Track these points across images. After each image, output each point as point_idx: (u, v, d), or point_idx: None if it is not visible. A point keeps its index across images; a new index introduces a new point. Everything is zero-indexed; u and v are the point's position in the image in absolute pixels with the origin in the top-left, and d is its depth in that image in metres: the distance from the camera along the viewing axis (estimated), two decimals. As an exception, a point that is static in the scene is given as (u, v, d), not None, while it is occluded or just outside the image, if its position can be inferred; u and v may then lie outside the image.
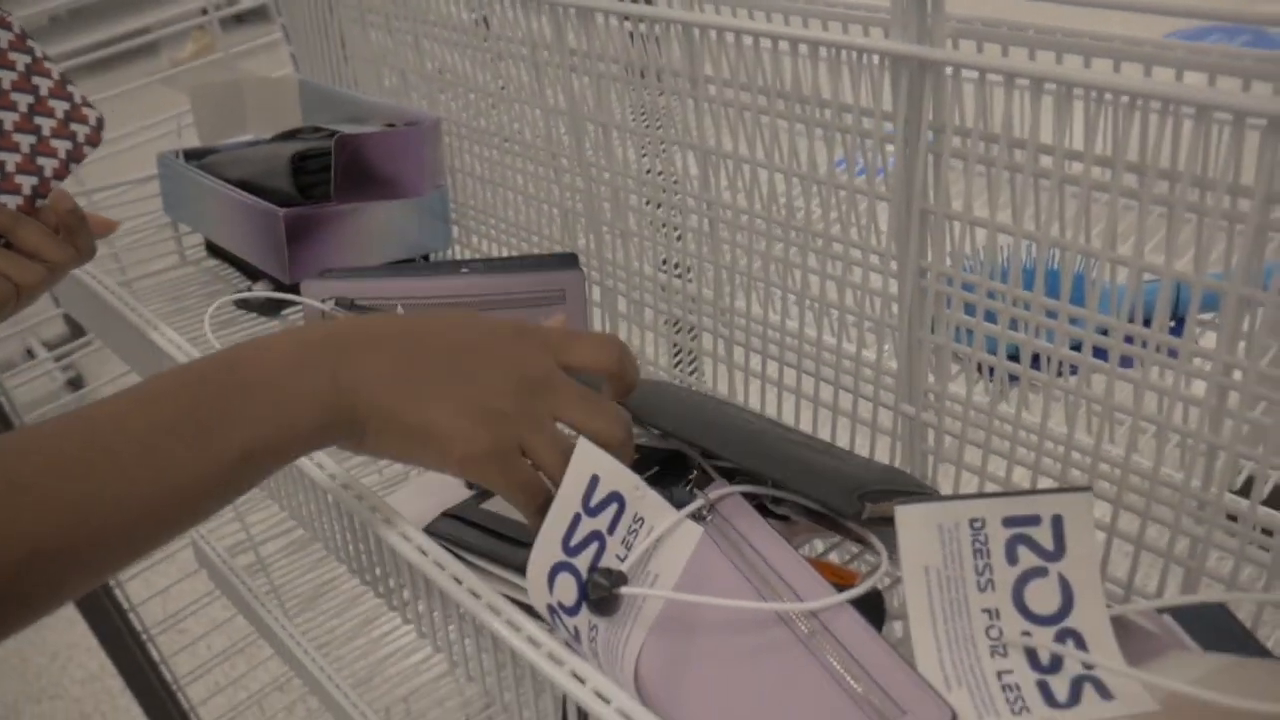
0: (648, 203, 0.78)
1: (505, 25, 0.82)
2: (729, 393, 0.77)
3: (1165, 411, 0.53)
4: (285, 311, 0.92)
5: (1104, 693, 0.42)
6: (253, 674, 1.52)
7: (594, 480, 0.50)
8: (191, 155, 0.93)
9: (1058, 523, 0.45)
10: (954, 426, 0.64)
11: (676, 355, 0.87)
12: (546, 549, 0.48)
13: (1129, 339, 0.53)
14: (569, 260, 0.75)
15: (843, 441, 0.68)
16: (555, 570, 0.48)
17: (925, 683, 0.42)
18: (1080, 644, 0.43)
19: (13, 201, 0.65)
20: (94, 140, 0.68)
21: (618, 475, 0.49)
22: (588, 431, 0.46)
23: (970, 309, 0.60)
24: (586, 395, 0.47)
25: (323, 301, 0.73)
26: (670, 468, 0.60)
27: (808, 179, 0.65)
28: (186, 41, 4.66)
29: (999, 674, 0.43)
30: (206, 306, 0.96)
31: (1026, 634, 0.44)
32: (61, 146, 0.67)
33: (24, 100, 0.66)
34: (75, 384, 2.36)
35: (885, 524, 0.51)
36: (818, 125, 0.62)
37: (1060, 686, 0.42)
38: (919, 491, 0.55)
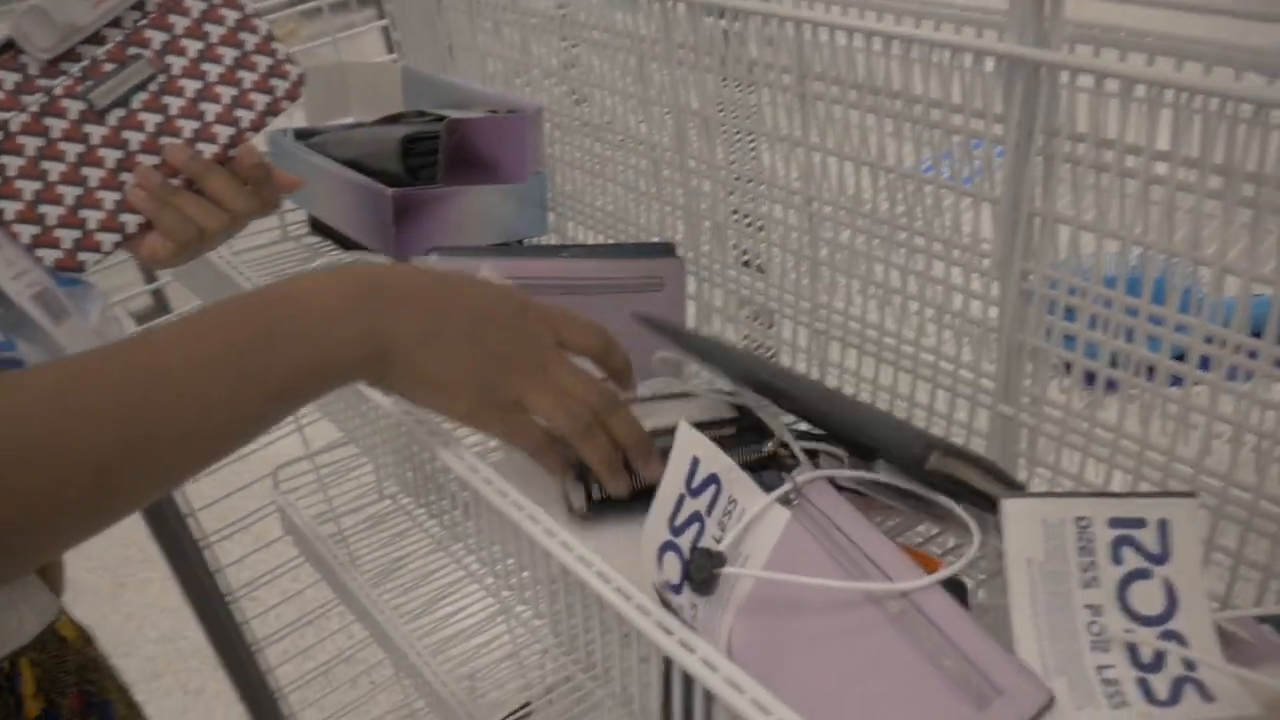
0: (747, 198, 0.79)
1: (611, 20, 0.84)
2: (817, 388, 0.78)
3: (1274, 424, 0.53)
4: (384, 289, 0.95)
5: (1205, 694, 0.42)
6: (320, 645, 1.56)
7: (694, 462, 0.51)
8: (300, 135, 0.96)
9: (1164, 527, 0.45)
10: (1051, 430, 0.64)
11: (755, 348, 0.89)
12: (656, 528, 0.50)
13: (1234, 348, 0.53)
14: (667, 249, 0.77)
15: (933, 440, 0.69)
16: (663, 549, 0.50)
17: (1023, 664, 0.43)
18: (1184, 647, 0.44)
19: (209, 150, 0.67)
20: (293, 95, 0.71)
21: (714, 458, 0.51)
22: (575, 385, 0.53)
23: (1072, 313, 0.60)
24: (574, 365, 0.54)
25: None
26: (749, 433, 0.61)
27: (914, 179, 0.65)
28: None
29: (1099, 668, 0.43)
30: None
31: (1129, 631, 0.44)
32: (260, 100, 0.69)
33: (230, 54, 0.68)
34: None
35: (950, 483, 0.52)
36: (929, 126, 0.63)
37: (1161, 685, 0.43)
38: (990, 462, 0.55)
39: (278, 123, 1.03)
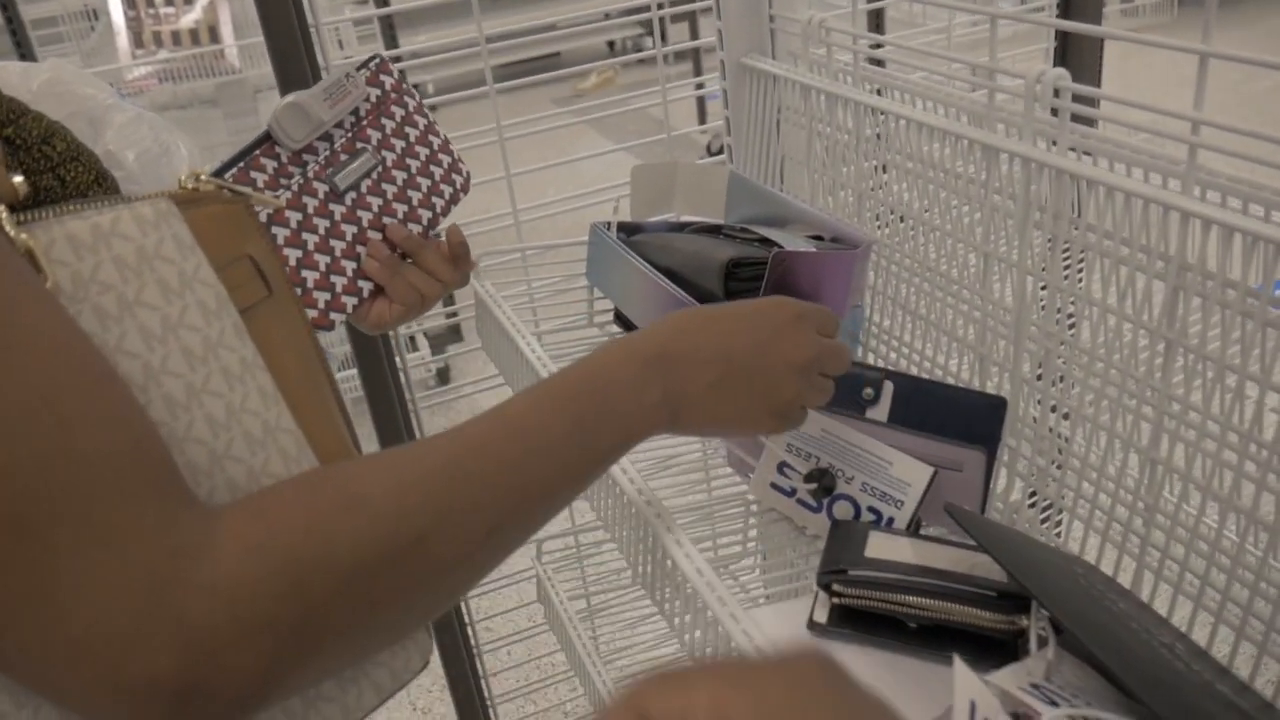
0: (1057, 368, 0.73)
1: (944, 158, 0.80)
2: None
3: None
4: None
5: None
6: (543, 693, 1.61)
7: (972, 706, 0.49)
8: (623, 228, 0.98)
9: None
10: None
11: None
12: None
13: None
14: (994, 411, 0.71)
15: None
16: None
17: None
18: None
19: (415, 230, 0.82)
20: (465, 189, 0.88)
21: (989, 701, 0.49)
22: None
23: None
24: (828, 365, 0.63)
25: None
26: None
27: None
28: (590, 73, 5.05)
29: None
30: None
31: None
32: (446, 190, 0.85)
33: (423, 152, 0.85)
34: (443, 376, 2.60)
35: None
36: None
37: None
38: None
39: (600, 215, 1.06)
